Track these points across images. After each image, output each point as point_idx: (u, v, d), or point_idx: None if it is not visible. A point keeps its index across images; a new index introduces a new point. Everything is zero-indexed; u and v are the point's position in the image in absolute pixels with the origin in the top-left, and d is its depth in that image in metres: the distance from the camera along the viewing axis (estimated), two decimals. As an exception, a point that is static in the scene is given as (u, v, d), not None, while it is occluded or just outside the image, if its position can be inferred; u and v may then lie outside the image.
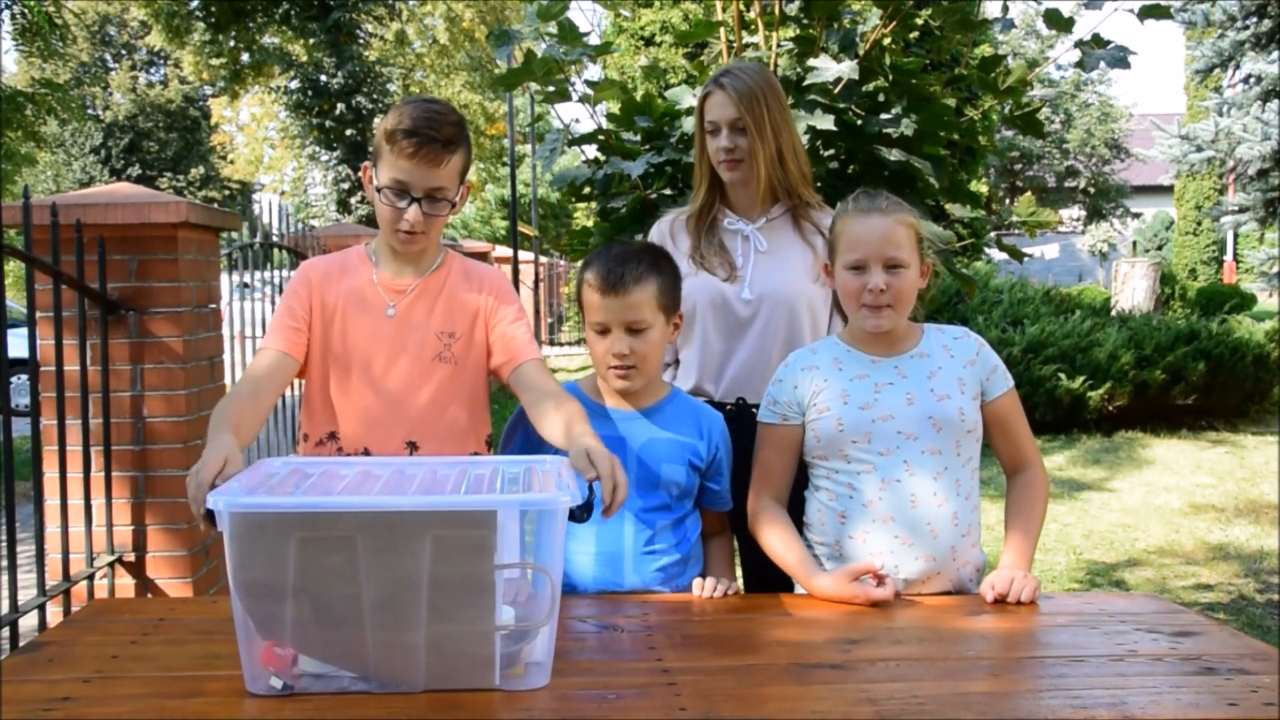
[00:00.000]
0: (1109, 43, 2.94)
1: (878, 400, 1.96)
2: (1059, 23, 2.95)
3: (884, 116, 2.90)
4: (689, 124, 2.95)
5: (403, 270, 2.07)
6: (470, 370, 2.08)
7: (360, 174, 2.01)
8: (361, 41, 19.60)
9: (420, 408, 2.04)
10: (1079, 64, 2.97)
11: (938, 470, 1.94)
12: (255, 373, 1.99)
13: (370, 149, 2.00)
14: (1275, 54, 11.34)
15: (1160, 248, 27.52)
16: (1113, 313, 10.38)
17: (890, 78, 2.97)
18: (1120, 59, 2.92)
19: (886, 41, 3.09)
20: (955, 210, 3.09)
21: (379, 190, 1.98)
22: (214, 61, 18.10)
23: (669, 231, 2.49)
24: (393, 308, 2.05)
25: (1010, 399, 2.04)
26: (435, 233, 2.05)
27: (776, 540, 1.99)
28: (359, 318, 2.06)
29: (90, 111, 30.35)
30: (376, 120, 21.47)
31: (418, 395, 2.04)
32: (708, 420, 2.09)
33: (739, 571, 2.43)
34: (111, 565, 3.08)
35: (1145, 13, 2.96)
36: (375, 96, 20.45)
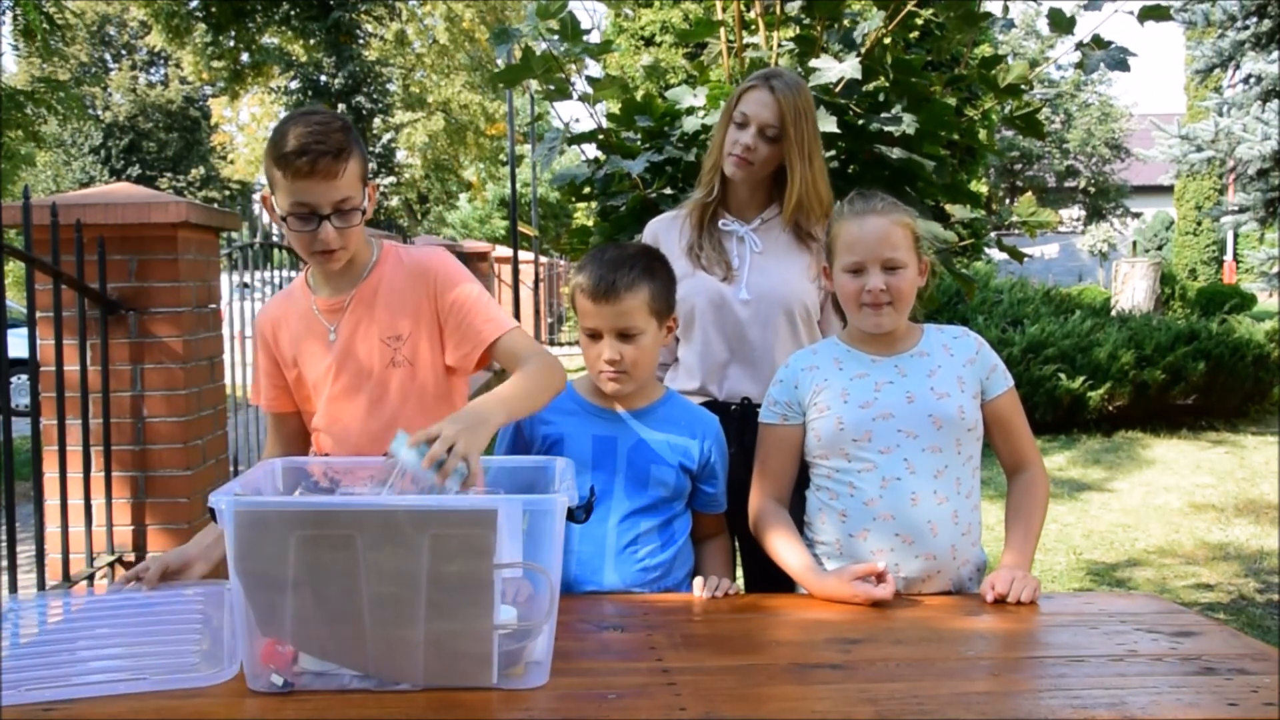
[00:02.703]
0: (1109, 44, 2.94)
1: (878, 399, 1.96)
2: (1061, 23, 2.95)
3: (884, 116, 2.90)
4: (689, 123, 2.94)
5: (338, 287, 2.00)
6: (425, 368, 2.00)
7: (260, 203, 1.91)
8: (361, 41, 19.61)
9: (383, 420, 1.97)
10: (1079, 65, 2.97)
11: (938, 468, 1.94)
12: (274, 450, 2.12)
13: (266, 175, 1.96)
14: (1275, 54, 11.33)
15: (1160, 248, 27.52)
16: (1113, 313, 10.38)
17: (891, 76, 2.97)
18: (1120, 61, 2.92)
19: (887, 41, 3.09)
20: (955, 210, 3.09)
21: (284, 219, 1.89)
22: (214, 62, 18.10)
23: (668, 230, 2.46)
24: (334, 331, 1.99)
25: (1010, 398, 2.04)
26: (355, 242, 1.95)
27: (778, 542, 1.99)
28: (311, 353, 2.02)
29: (90, 111, 30.34)
30: (377, 121, 21.56)
31: (380, 409, 1.98)
32: (702, 423, 2.08)
33: (739, 572, 2.43)
34: (111, 565, 3.08)
35: (1145, 14, 2.96)
36: (375, 96, 20.46)
